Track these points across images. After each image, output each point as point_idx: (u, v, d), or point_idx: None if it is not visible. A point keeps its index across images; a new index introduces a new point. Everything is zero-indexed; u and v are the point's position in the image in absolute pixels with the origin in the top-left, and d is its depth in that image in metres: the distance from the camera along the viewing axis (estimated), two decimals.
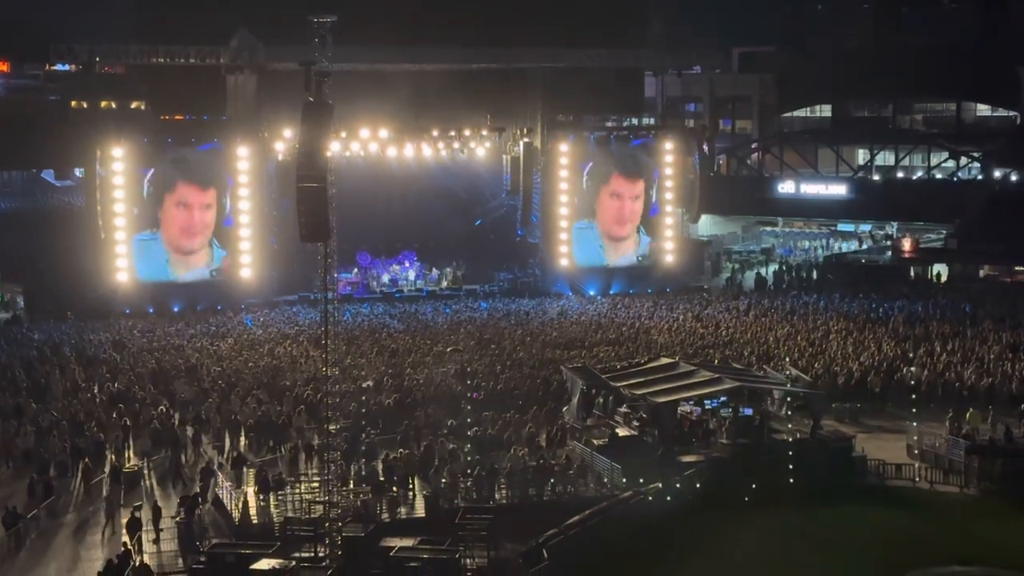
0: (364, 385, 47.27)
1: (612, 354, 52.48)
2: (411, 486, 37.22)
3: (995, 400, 45.74)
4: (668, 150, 74.28)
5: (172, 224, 66.32)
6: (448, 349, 53.32)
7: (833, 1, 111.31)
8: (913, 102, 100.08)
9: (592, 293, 71.70)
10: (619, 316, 63.35)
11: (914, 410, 42.58)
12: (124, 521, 34.26)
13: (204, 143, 67.08)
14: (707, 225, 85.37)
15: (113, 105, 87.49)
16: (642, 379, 42.49)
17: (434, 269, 73.29)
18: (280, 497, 36.27)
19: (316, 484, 36.40)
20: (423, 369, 49.91)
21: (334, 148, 39.43)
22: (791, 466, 38.14)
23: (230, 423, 42.95)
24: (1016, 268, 74.17)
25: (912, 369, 49.24)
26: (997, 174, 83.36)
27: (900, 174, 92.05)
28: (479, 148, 71.92)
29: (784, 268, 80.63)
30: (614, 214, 73.37)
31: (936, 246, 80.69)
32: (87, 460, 39.09)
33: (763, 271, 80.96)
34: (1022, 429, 41.95)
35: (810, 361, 50.65)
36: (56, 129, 74.92)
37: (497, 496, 36.79)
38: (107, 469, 39.22)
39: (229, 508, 36.06)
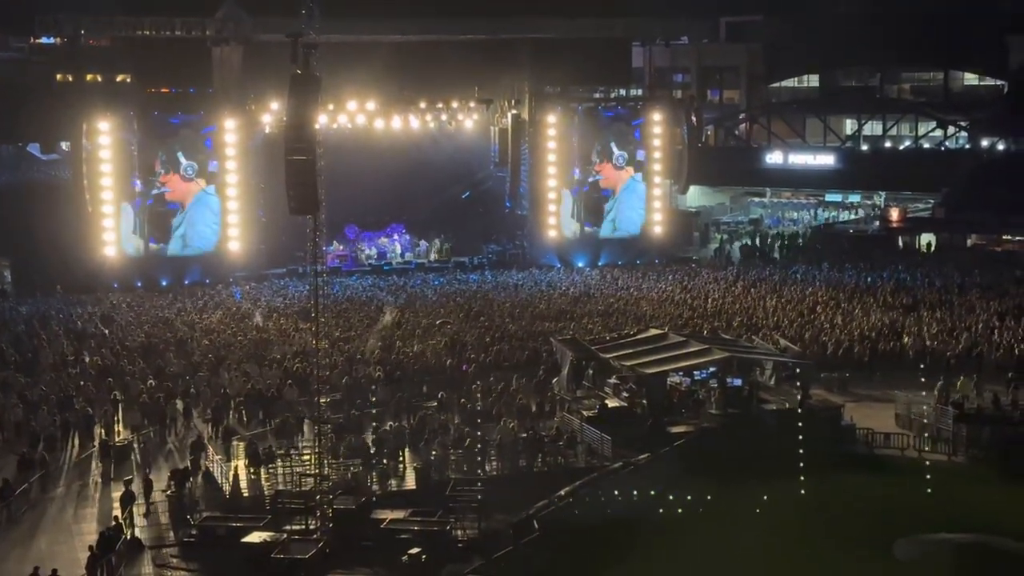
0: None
1: (601, 325, 52.52)
2: (402, 458, 37.29)
3: (983, 368, 45.93)
4: (656, 121, 74.19)
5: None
6: (437, 322, 53.39)
7: None
8: (901, 71, 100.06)
9: (580, 265, 71.69)
10: (608, 288, 63.37)
11: (901, 379, 42.70)
12: (116, 495, 34.28)
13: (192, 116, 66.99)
14: (695, 196, 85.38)
15: (99, 78, 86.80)
16: (631, 350, 42.54)
17: (422, 241, 73.18)
18: (271, 470, 36.32)
19: (307, 457, 36.47)
20: (413, 342, 49.91)
21: (321, 120, 39.26)
22: (780, 436, 38.23)
23: (220, 396, 42.91)
24: (1004, 237, 74.34)
25: (904, 339, 49.39)
26: (984, 143, 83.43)
27: (888, 144, 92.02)
28: (467, 120, 71.74)
29: (759, 240, 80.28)
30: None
31: (924, 215, 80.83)
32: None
33: (749, 242, 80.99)
34: (1010, 397, 42.10)
35: (799, 331, 50.75)
36: (42, 102, 74.32)
37: (487, 468, 36.88)
38: (96, 443, 39.22)
39: (220, 481, 36.11)
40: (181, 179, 66.20)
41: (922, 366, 42.84)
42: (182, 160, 66.07)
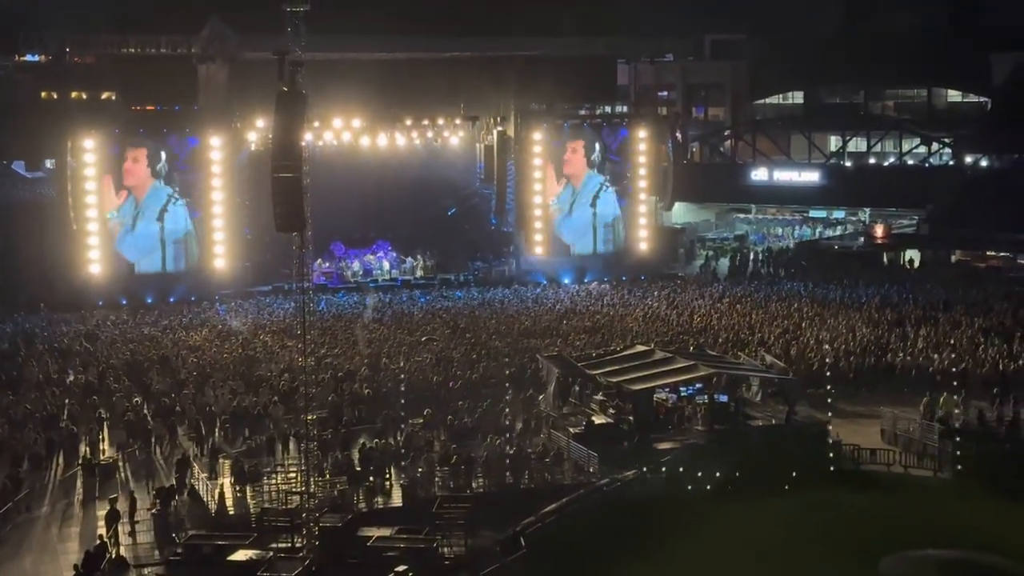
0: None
1: (587, 342, 52.52)
2: (388, 475, 37.20)
3: (968, 384, 45.97)
4: (641, 138, 74.35)
5: None
6: (423, 339, 53.31)
7: None
8: (884, 88, 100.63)
9: (566, 281, 71.71)
10: (594, 304, 63.39)
11: (887, 395, 42.76)
12: (100, 513, 34.11)
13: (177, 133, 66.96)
14: (681, 213, 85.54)
15: (84, 96, 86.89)
16: (618, 367, 42.52)
17: (408, 258, 73.11)
18: (256, 488, 36.18)
19: (293, 474, 36.35)
20: (399, 358, 49.81)
21: (307, 138, 39.28)
22: (766, 452, 38.27)
23: (205, 414, 42.75)
24: (988, 253, 74.64)
25: (889, 355, 49.47)
26: (968, 160, 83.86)
27: (872, 160, 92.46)
28: (453, 137, 71.83)
29: (740, 256, 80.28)
30: None
31: (908, 232, 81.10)
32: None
33: (734, 257, 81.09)
34: (995, 413, 42.23)
35: (784, 347, 50.80)
36: (26, 120, 74.38)
37: (474, 485, 36.80)
38: (81, 462, 39.01)
39: (205, 499, 35.96)
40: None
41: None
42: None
